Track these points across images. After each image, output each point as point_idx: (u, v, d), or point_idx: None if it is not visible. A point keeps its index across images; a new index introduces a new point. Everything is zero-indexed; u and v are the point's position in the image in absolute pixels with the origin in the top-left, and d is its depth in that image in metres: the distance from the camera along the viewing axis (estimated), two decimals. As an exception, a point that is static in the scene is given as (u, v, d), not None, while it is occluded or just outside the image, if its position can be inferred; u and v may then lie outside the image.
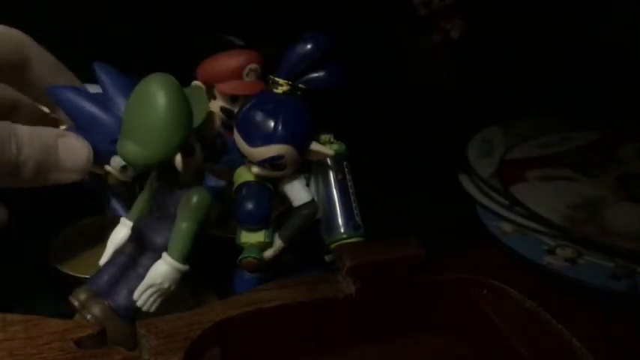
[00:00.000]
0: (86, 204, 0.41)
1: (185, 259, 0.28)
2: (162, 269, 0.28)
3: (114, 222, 0.35)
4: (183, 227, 0.28)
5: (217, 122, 0.32)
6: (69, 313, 0.30)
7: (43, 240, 0.40)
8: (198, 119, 0.29)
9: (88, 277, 0.32)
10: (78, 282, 0.34)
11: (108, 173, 0.33)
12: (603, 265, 0.40)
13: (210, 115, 0.31)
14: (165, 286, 0.28)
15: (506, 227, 0.45)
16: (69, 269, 0.38)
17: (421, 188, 0.49)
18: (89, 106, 0.31)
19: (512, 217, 0.45)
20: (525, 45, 0.65)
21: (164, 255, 0.28)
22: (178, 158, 0.28)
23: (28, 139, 0.29)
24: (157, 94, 0.27)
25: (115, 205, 0.37)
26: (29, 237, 0.41)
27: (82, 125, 0.31)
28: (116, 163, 0.31)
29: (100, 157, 0.32)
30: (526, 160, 0.53)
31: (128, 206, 0.35)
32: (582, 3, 0.63)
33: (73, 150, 0.30)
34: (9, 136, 0.28)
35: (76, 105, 0.31)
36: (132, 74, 0.32)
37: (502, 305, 0.29)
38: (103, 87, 0.31)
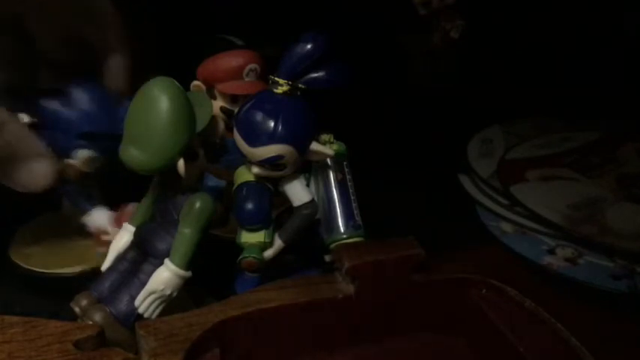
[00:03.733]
0: (43, 199, 0.40)
1: (187, 265, 0.28)
2: (165, 276, 0.28)
3: (72, 216, 0.37)
4: (185, 233, 0.28)
5: (221, 126, 0.32)
6: (68, 314, 0.30)
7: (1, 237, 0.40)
8: (201, 123, 0.29)
9: (49, 271, 0.33)
10: (41, 277, 0.36)
11: (67, 166, 0.33)
12: (603, 265, 0.40)
13: (214, 119, 0.31)
14: (167, 292, 0.28)
15: (506, 227, 0.45)
16: (31, 264, 0.38)
17: (421, 188, 0.49)
18: (50, 103, 0.31)
19: (512, 217, 0.45)
20: (525, 45, 0.65)
21: (166, 261, 0.28)
22: (181, 163, 0.28)
23: (7, 139, 0.29)
24: (159, 99, 0.27)
25: (75, 197, 0.37)
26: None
27: (44, 122, 0.31)
28: (81, 155, 0.32)
29: (62, 152, 0.32)
30: (526, 160, 0.53)
31: (88, 198, 0.35)
32: (582, 3, 0.63)
33: (36, 175, 0.31)
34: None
35: (37, 103, 0.31)
36: (132, 75, 0.32)
37: (502, 305, 0.29)
38: (67, 85, 0.32)
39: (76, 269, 0.37)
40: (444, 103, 0.62)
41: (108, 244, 0.32)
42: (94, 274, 0.32)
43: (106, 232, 0.35)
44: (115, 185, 0.34)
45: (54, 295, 0.35)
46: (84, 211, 0.36)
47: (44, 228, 0.41)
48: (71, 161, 0.32)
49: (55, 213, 0.41)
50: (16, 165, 0.30)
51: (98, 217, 0.36)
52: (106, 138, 0.33)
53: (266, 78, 0.30)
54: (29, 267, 0.38)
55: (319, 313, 0.28)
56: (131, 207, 0.34)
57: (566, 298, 0.29)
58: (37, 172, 0.30)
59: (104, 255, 0.32)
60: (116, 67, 0.35)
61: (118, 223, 0.34)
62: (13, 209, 0.41)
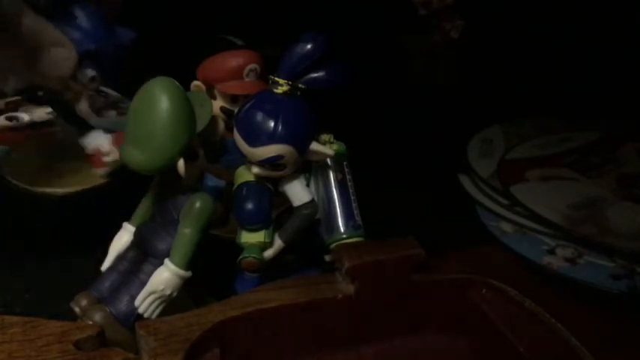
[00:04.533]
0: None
1: (187, 265, 0.28)
2: (165, 276, 0.28)
3: (66, 137, 0.37)
4: (185, 233, 0.28)
5: (221, 126, 0.32)
6: (68, 314, 0.30)
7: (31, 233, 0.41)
8: (201, 123, 0.29)
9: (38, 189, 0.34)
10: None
11: (67, 87, 0.34)
12: (603, 265, 0.40)
13: (214, 119, 0.31)
14: (167, 292, 0.28)
15: (506, 227, 0.45)
16: (20, 181, 0.39)
17: (421, 188, 0.49)
18: (52, 23, 0.32)
19: (512, 217, 0.45)
20: (525, 45, 0.65)
21: (166, 261, 0.28)
22: (181, 163, 0.28)
23: (27, 30, 0.30)
24: (159, 99, 0.27)
25: (73, 118, 0.37)
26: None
27: None
28: (86, 74, 0.33)
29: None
30: (526, 160, 0.53)
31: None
32: (582, 3, 0.63)
33: (60, 62, 0.32)
34: (16, 17, 0.29)
35: None
36: (132, 75, 0.32)
37: (502, 305, 0.29)
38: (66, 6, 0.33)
39: (67, 189, 0.37)
40: (444, 103, 0.62)
41: (106, 164, 0.32)
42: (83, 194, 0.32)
43: (105, 153, 0.35)
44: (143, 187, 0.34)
45: (54, 295, 0.35)
46: (81, 132, 0.36)
47: (36, 147, 0.42)
48: (72, 83, 0.33)
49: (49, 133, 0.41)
50: (39, 53, 0.30)
51: (97, 137, 0.35)
52: (109, 54, 0.34)
53: (266, 78, 0.30)
54: (18, 183, 0.38)
55: (319, 313, 0.28)
56: None
57: (566, 298, 0.29)
58: (60, 57, 0.31)
59: (103, 174, 0.32)
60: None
61: (117, 143, 0.34)
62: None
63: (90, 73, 0.33)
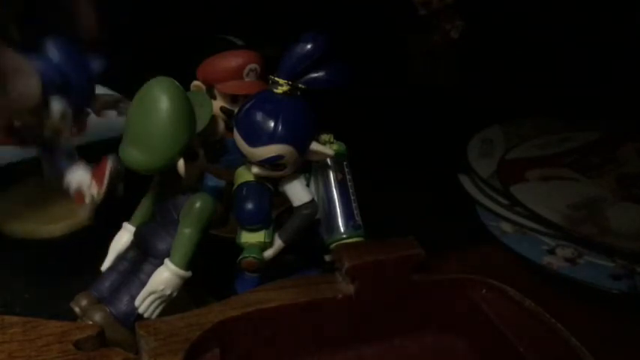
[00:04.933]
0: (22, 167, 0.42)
1: (187, 265, 0.28)
2: (165, 276, 0.28)
3: (52, 180, 0.36)
4: (185, 233, 0.28)
5: (221, 126, 0.32)
6: (68, 314, 0.30)
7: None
8: (201, 123, 0.29)
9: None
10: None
11: (44, 124, 0.33)
12: (603, 265, 0.40)
13: (214, 119, 0.31)
14: (167, 292, 0.28)
15: (506, 227, 0.45)
16: (9, 226, 0.39)
17: (421, 188, 0.49)
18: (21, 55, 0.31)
19: (513, 217, 0.45)
20: (525, 45, 0.65)
21: (166, 261, 0.28)
22: (181, 163, 0.28)
23: None
24: (159, 99, 0.27)
25: (54, 157, 0.36)
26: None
27: None
28: (55, 109, 0.32)
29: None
30: (526, 160, 0.53)
31: (67, 157, 0.35)
32: (582, 3, 0.63)
33: (24, 90, 0.30)
34: None
35: None
36: (133, 75, 0.32)
37: (502, 305, 0.29)
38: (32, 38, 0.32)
39: (56, 231, 0.38)
40: (444, 103, 0.62)
41: (87, 199, 0.32)
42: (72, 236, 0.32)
43: (87, 189, 0.34)
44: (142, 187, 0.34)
45: (54, 295, 0.35)
46: (65, 170, 0.35)
47: (24, 192, 0.42)
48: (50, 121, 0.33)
49: (35, 179, 0.41)
50: (5, 82, 0.30)
51: (79, 174, 0.35)
52: (79, 89, 0.33)
53: (266, 78, 0.30)
54: (6, 228, 0.38)
55: (319, 313, 0.28)
56: (110, 160, 0.33)
57: (566, 298, 0.29)
58: (22, 89, 0.30)
59: (86, 211, 0.31)
60: (85, 15, 0.35)
61: (97, 177, 0.33)
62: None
63: (58, 104, 0.32)
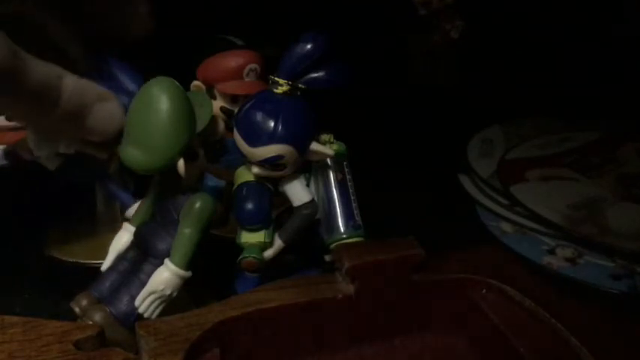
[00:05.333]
0: (78, 202, 0.43)
1: (187, 265, 0.28)
2: (165, 276, 0.28)
3: (105, 213, 0.38)
4: (185, 233, 0.28)
5: (221, 126, 0.32)
6: (68, 314, 0.30)
7: (31, 234, 0.41)
8: (201, 123, 0.29)
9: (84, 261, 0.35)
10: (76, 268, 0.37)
11: (111, 158, 0.33)
12: (603, 265, 0.40)
13: (214, 119, 0.31)
14: (167, 292, 0.28)
15: (506, 227, 0.45)
16: (67, 256, 0.40)
17: (421, 188, 0.49)
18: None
19: (513, 217, 0.45)
20: (526, 45, 0.65)
21: (166, 261, 0.28)
22: (181, 163, 0.28)
23: (70, 91, 0.28)
24: (159, 99, 0.27)
25: (118, 193, 0.37)
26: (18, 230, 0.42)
27: None
28: None
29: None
30: (526, 160, 0.53)
31: (128, 191, 0.36)
32: (582, 3, 0.63)
33: (108, 115, 0.30)
34: (57, 79, 0.28)
35: None
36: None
37: (502, 305, 0.29)
38: (112, 75, 0.32)
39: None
40: (444, 103, 0.62)
41: None
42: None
43: None
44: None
45: (54, 295, 0.35)
46: (121, 202, 0.36)
47: (78, 225, 0.43)
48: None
49: (88, 213, 0.42)
50: (85, 114, 0.29)
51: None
52: None
53: (266, 78, 0.30)
54: (65, 258, 0.39)
55: (319, 313, 0.28)
56: None
57: (567, 298, 0.29)
58: (105, 114, 0.30)
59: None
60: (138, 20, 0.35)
61: None
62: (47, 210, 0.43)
63: None
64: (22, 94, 0.27)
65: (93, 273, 0.31)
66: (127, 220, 0.32)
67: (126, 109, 0.31)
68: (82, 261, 0.39)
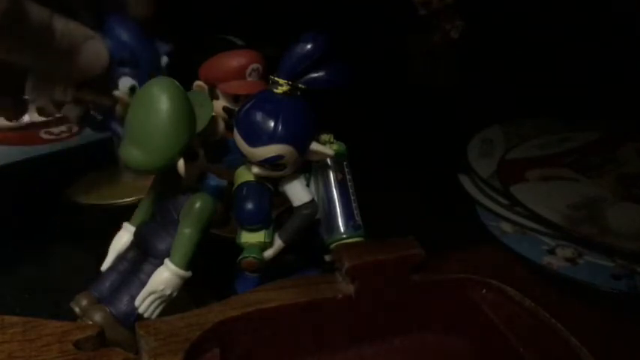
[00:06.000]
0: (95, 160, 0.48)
1: (187, 265, 0.28)
2: (164, 276, 0.28)
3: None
4: (185, 233, 0.28)
5: (221, 126, 0.32)
6: (68, 314, 0.30)
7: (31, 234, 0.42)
8: (202, 123, 0.29)
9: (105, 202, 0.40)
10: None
11: (116, 102, 0.35)
12: (603, 265, 0.40)
13: (214, 119, 0.31)
14: (167, 292, 0.28)
15: (506, 227, 0.45)
16: (93, 200, 0.45)
17: (421, 188, 0.49)
18: None
19: (513, 217, 0.45)
20: (526, 45, 0.65)
21: (166, 261, 0.28)
22: (181, 163, 0.28)
23: (60, 31, 0.30)
24: (159, 99, 0.27)
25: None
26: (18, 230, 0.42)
27: None
28: (124, 84, 0.33)
29: (109, 83, 0.34)
30: (526, 160, 0.53)
31: None
32: (581, 3, 0.63)
33: (95, 53, 0.32)
34: (49, 21, 0.30)
35: None
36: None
37: (502, 305, 0.29)
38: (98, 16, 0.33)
39: (130, 199, 0.44)
40: (444, 103, 0.62)
41: None
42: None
43: None
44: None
45: (54, 295, 0.35)
46: None
47: (99, 177, 0.47)
48: (117, 92, 0.34)
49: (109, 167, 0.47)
50: (74, 51, 0.31)
51: None
52: (145, 64, 0.34)
53: (267, 78, 0.30)
54: (88, 202, 0.44)
55: (319, 313, 0.28)
56: None
57: (567, 298, 0.29)
58: (92, 53, 0.32)
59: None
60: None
61: None
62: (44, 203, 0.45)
63: (128, 82, 0.34)
64: (22, 35, 0.29)
65: (119, 212, 0.33)
66: None
67: (124, 63, 0.33)
68: (108, 202, 0.44)
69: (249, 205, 0.29)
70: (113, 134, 0.39)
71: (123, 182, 0.47)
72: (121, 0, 0.34)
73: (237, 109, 0.34)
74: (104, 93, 0.34)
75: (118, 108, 0.36)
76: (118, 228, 0.32)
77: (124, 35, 0.33)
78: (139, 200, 0.32)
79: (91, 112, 0.38)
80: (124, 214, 0.32)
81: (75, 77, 0.33)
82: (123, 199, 0.45)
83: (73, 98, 0.35)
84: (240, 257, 0.29)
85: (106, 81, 0.33)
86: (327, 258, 0.31)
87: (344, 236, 0.31)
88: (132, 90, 0.33)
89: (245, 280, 0.32)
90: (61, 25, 0.30)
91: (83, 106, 0.38)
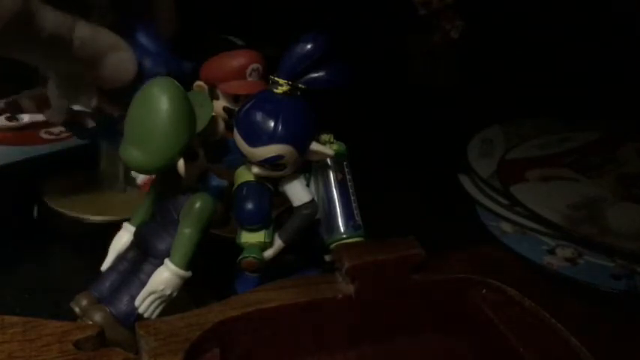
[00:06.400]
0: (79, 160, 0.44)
1: (187, 265, 0.28)
2: (165, 276, 0.28)
3: (110, 170, 0.39)
4: (185, 233, 0.28)
5: (221, 126, 0.32)
6: (68, 314, 0.30)
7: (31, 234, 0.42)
8: (202, 123, 0.29)
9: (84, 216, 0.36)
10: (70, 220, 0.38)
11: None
12: (603, 265, 0.40)
13: (214, 119, 0.31)
14: (167, 292, 0.28)
15: (506, 227, 0.45)
16: (66, 209, 0.40)
17: (421, 188, 0.49)
18: None
19: (512, 217, 0.45)
20: (526, 45, 0.65)
21: (166, 261, 0.28)
22: (181, 163, 0.28)
23: (81, 38, 0.29)
24: (159, 99, 0.27)
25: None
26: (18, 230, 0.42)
27: None
28: None
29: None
30: (526, 160, 0.53)
31: None
32: (581, 3, 0.63)
33: (120, 64, 0.31)
34: (68, 27, 0.29)
35: None
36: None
37: (502, 305, 0.29)
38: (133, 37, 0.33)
39: (110, 218, 0.39)
40: (444, 103, 0.62)
41: None
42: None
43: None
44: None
45: (54, 295, 0.35)
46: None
47: (80, 180, 0.43)
48: None
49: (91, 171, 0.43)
50: (97, 61, 0.30)
51: None
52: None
53: (267, 78, 0.30)
54: (63, 211, 0.40)
55: (319, 313, 0.28)
56: None
57: (567, 298, 0.29)
58: (118, 61, 0.31)
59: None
60: (164, 7, 0.35)
61: None
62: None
63: None
64: (34, 39, 0.28)
65: (90, 229, 0.31)
66: (132, 179, 0.33)
67: (145, 69, 0.32)
68: (81, 216, 0.39)
69: (249, 205, 0.29)
70: (107, 143, 0.38)
71: (100, 196, 0.43)
72: (151, 16, 0.34)
73: (237, 109, 0.34)
74: (119, 103, 0.33)
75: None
76: (118, 228, 0.32)
77: (154, 47, 0.33)
78: (111, 221, 0.32)
79: (83, 120, 0.37)
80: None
81: (98, 87, 0.32)
82: (94, 215, 0.40)
83: (94, 107, 0.35)
84: (240, 257, 0.29)
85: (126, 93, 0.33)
86: (327, 258, 0.31)
87: (344, 236, 0.31)
88: None
89: (245, 280, 0.32)
90: (85, 32, 0.29)
91: (68, 112, 0.37)
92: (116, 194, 0.42)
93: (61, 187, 0.43)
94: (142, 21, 0.33)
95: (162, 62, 0.33)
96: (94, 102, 0.34)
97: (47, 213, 0.40)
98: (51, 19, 0.28)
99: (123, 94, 0.32)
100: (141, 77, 0.32)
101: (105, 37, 0.31)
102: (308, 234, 0.31)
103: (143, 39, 0.33)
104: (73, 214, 0.40)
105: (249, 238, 0.30)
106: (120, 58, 0.31)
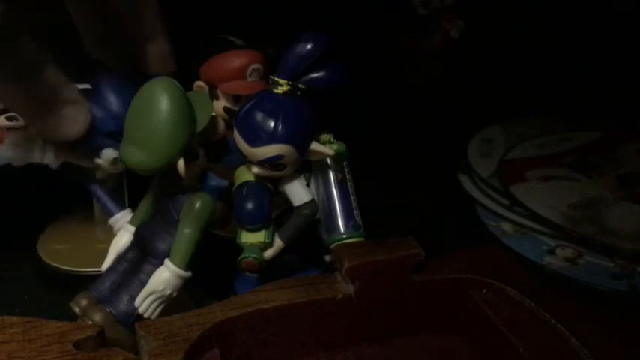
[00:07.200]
0: (73, 197, 0.41)
1: (187, 265, 0.28)
2: (165, 276, 0.28)
3: (101, 217, 0.37)
4: (185, 233, 0.28)
5: (221, 126, 0.32)
6: (68, 314, 0.30)
7: (31, 234, 0.41)
8: (201, 123, 0.29)
9: (75, 269, 0.35)
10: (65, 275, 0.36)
11: (97, 167, 0.33)
12: (603, 265, 0.40)
13: (214, 119, 0.31)
14: (167, 292, 0.28)
15: (506, 227, 0.45)
16: (58, 262, 0.38)
17: (421, 188, 0.49)
18: None
19: (512, 217, 0.45)
20: (525, 45, 0.65)
21: (166, 261, 0.28)
22: (181, 163, 0.28)
23: (47, 80, 0.29)
24: (159, 99, 0.27)
25: (104, 199, 0.36)
26: (17, 231, 0.41)
27: None
28: (107, 155, 0.32)
29: (91, 150, 0.32)
30: (526, 160, 0.53)
31: (116, 200, 0.35)
32: (581, 3, 0.63)
33: (72, 118, 0.30)
34: (40, 63, 0.29)
35: None
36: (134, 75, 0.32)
37: (502, 305, 0.29)
38: (95, 84, 0.32)
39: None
40: (444, 103, 0.62)
41: None
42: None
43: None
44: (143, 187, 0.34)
45: (54, 295, 0.35)
46: (106, 210, 0.35)
47: (73, 225, 0.42)
48: (99, 161, 0.33)
49: (86, 210, 0.41)
50: (52, 110, 0.30)
51: (123, 220, 0.34)
52: None
53: (267, 78, 0.30)
54: (56, 265, 0.38)
55: (319, 313, 0.28)
56: None
57: (566, 298, 0.29)
58: (72, 118, 0.30)
59: None
60: (158, 53, 0.34)
61: None
62: (44, 203, 0.43)
63: (111, 154, 0.32)
64: (8, 64, 0.27)
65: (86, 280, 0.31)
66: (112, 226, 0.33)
67: (111, 136, 0.31)
68: (75, 269, 0.38)
69: (249, 205, 0.29)
70: (93, 195, 0.37)
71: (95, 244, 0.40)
72: (123, 65, 0.33)
73: (237, 109, 0.34)
74: (85, 157, 0.33)
75: (99, 173, 0.35)
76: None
77: (116, 106, 0.32)
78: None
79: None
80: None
81: (48, 137, 0.31)
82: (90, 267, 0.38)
83: (54, 154, 0.34)
84: (240, 257, 0.29)
85: (86, 147, 0.32)
86: (327, 258, 0.31)
87: (344, 236, 0.31)
88: (114, 161, 0.32)
89: (245, 280, 0.32)
90: (49, 77, 0.29)
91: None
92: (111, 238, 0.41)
93: (55, 239, 0.41)
94: (105, 75, 0.32)
95: (119, 122, 0.31)
96: (48, 149, 0.33)
97: (42, 267, 0.39)
98: (29, 48, 0.28)
99: (85, 148, 0.32)
100: (95, 135, 0.32)
101: (67, 88, 0.30)
102: (308, 234, 0.31)
103: (104, 95, 0.32)
104: (68, 268, 0.38)
105: (249, 238, 0.30)
106: (73, 113, 0.30)
